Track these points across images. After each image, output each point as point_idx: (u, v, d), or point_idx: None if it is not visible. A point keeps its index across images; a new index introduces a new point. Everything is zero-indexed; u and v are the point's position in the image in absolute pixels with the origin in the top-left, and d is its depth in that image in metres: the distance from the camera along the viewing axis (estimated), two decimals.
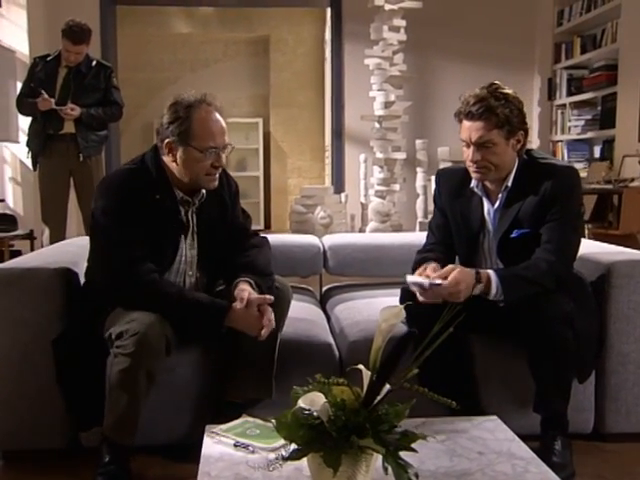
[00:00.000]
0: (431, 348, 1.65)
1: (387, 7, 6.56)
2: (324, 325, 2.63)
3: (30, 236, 5.13)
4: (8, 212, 5.57)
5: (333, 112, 7.64)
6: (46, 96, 4.44)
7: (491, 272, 2.16)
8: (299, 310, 2.69)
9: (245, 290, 2.16)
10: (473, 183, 2.34)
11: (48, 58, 4.64)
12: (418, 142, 6.74)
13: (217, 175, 2.30)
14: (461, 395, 2.31)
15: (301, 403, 1.57)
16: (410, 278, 2.17)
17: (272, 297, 2.17)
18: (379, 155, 6.62)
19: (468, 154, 2.28)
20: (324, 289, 3.27)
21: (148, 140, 9.80)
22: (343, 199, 6.77)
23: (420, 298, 2.17)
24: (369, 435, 1.51)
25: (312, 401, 1.58)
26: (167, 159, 2.24)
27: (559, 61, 7.12)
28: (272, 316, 2.15)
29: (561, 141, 6.96)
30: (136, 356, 2.00)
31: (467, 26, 7.33)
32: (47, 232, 4.57)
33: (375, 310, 2.52)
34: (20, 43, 6.67)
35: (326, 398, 1.55)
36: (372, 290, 3.05)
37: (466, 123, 2.26)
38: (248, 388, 2.24)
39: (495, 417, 2.03)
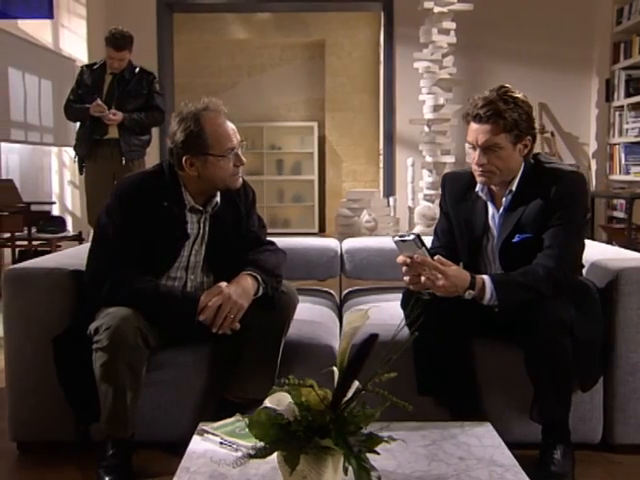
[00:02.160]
0: (399, 352, 1.65)
1: (436, 10, 6.52)
2: (332, 328, 2.65)
3: (79, 237, 5.33)
4: (57, 214, 5.81)
5: (385, 116, 7.65)
6: (100, 102, 4.62)
7: (486, 277, 2.13)
8: (311, 313, 2.73)
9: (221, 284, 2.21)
10: (478, 187, 2.32)
11: (94, 66, 4.85)
12: (467, 145, 6.67)
13: (240, 172, 2.34)
14: (463, 400, 2.32)
15: (267, 403, 1.61)
16: (397, 238, 2.12)
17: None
18: (428, 159, 6.58)
19: (474, 157, 2.27)
20: (345, 292, 3.29)
21: None
22: (391, 203, 6.76)
23: (405, 278, 2.16)
24: (332, 436, 1.53)
25: (279, 401, 1.62)
26: (188, 174, 2.27)
27: (617, 61, 6.91)
28: (230, 316, 2.19)
29: (618, 144, 6.76)
30: (111, 349, 2.06)
31: (520, 27, 7.21)
32: (92, 233, 4.74)
33: (384, 314, 2.55)
34: (80, 52, 6.94)
35: (292, 398, 1.59)
36: (390, 294, 3.04)
37: (473, 126, 2.25)
38: (248, 388, 2.27)
39: (488, 423, 2.01)
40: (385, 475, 1.72)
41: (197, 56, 9.95)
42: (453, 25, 6.57)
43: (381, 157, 8.43)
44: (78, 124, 4.85)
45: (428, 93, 6.64)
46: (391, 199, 6.82)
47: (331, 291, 3.28)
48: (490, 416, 2.33)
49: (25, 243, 5.18)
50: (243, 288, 2.21)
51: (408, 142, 7.31)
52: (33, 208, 5.42)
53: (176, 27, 8.22)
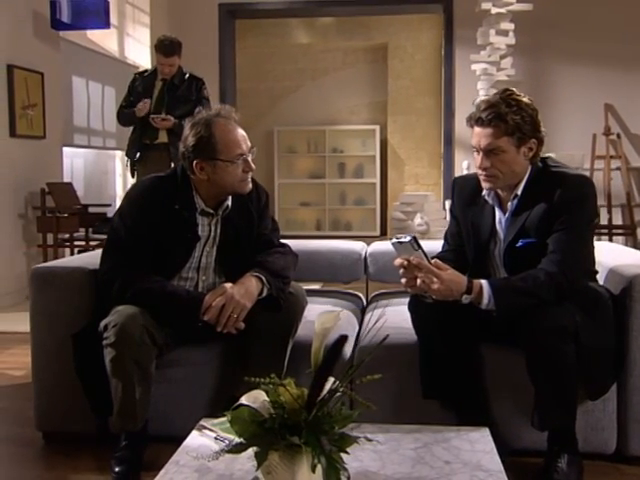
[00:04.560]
0: (370, 355, 1.67)
1: (494, 11, 6.44)
2: (346, 330, 2.65)
3: None
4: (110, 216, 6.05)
5: (444, 118, 7.60)
6: (146, 100, 4.78)
7: (484, 282, 2.11)
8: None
9: (225, 285, 2.28)
10: (485, 191, 2.30)
11: (146, 73, 5.03)
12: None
13: (250, 178, 2.41)
14: (469, 405, 2.30)
15: (244, 400, 1.66)
16: (394, 240, 2.14)
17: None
18: None
19: (477, 161, 2.26)
20: (372, 295, 3.30)
21: (269, 148, 10.19)
22: (447, 206, 6.71)
23: (402, 280, 2.18)
24: (303, 434, 1.56)
25: (255, 398, 1.67)
26: (199, 178, 2.35)
27: None
28: (234, 316, 2.24)
29: None
30: (118, 346, 2.15)
31: (584, 26, 7.03)
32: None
33: (400, 317, 2.55)
34: (143, 59, 7.20)
35: (267, 396, 1.63)
36: None
37: (476, 129, 2.24)
38: (254, 388, 2.32)
39: (485, 428, 1.99)
40: (366, 475, 1.74)
41: (262, 61, 10.13)
42: (511, 26, 6.48)
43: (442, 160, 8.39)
44: (131, 129, 5.03)
45: (486, 95, 6.56)
46: (447, 202, 6.77)
47: (358, 294, 3.30)
48: (499, 422, 2.32)
49: (83, 243, 5.41)
50: (246, 288, 2.26)
51: (467, 145, 7.21)
52: (92, 210, 5.66)
53: (242, 33, 8.40)
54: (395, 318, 2.67)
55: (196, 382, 2.45)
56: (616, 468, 2.31)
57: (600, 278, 2.43)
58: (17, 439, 2.62)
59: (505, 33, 6.53)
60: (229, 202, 2.42)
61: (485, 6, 6.46)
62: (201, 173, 2.33)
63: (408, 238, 2.09)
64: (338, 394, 1.63)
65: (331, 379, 1.64)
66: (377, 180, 10.03)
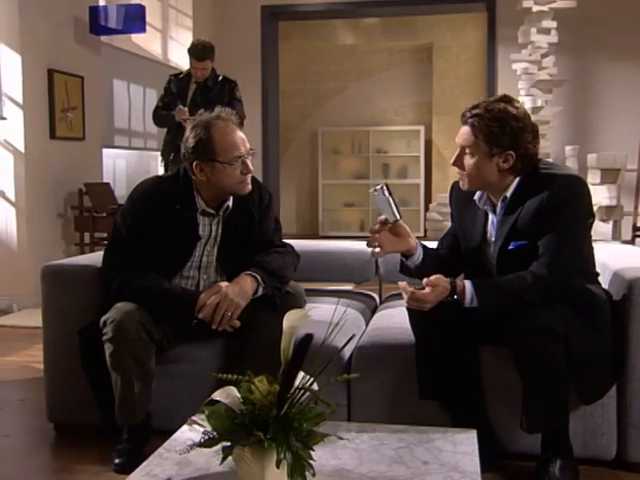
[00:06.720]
0: (337, 353, 1.68)
1: (535, 9, 6.35)
2: (350, 330, 2.66)
3: None
4: None
5: None
6: (182, 107, 4.90)
7: (467, 282, 2.11)
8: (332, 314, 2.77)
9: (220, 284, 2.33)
10: (477, 195, 2.29)
11: (180, 75, 5.14)
12: (568, 148, 6.44)
13: (249, 179, 2.45)
14: (464, 407, 2.29)
15: (216, 396, 1.69)
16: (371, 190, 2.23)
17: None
18: None
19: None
20: (386, 296, 3.31)
21: (314, 148, 10.24)
22: None
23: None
24: (270, 430, 1.59)
25: (227, 394, 1.70)
26: (198, 179, 2.41)
27: None
28: (228, 314, 2.29)
29: None
30: (115, 341, 2.22)
31: (631, 22, 6.89)
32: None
33: (406, 317, 2.56)
34: (186, 62, 7.31)
35: (239, 392, 1.66)
36: None
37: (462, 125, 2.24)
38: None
39: (473, 431, 1.98)
40: (340, 473, 1.75)
41: (307, 62, 10.19)
42: (553, 24, 6.37)
43: None
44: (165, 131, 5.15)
45: (526, 95, 6.48)
46: None
47: (373, 294, 3.31)
48: (497, 425, 2.31)
49: None
50: (241, 287, 2.31)
51: None
52: None
53: (287, 34, 8.48)
54: (398, 318, 2.68)
55: (198, 378, 2.50)
56: (615, 475, 2.27)
57: (605, 281, 2.40)
58: (31, 429, 2.74)
59: (547, 31, 6.42)
60: (230, 202, 2.46)
61: (527, 4, 6.37)
62: (200, 174, 2.39)
63: (379, 185, 2.16)
64: (308, 393, 1.66)
65: (300, 376, 1.67)
66: (421, 181, 9.96)
